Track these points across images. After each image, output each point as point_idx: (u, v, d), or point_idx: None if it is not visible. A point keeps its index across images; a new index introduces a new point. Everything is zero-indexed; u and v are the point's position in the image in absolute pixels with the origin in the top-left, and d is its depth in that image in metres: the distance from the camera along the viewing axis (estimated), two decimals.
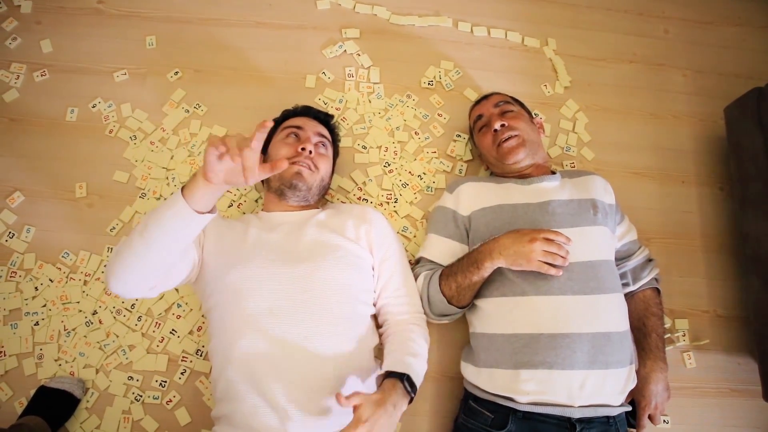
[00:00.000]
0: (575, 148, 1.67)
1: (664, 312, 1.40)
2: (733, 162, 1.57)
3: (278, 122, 1.40)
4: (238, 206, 1.50)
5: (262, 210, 1.36)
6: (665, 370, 1.31)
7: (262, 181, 1.37)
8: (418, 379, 1.15)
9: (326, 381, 1.09)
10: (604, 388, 1.14)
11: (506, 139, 1.37)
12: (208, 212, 0.96)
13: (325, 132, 1.39)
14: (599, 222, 1.28)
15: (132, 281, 1.00)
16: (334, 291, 1.15)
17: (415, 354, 1.18)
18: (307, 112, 1.42)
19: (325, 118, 1.43)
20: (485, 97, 1.52)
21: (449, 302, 1.26)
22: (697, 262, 1.61)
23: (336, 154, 1.45)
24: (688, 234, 1.63)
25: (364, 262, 1.24)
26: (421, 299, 1.30)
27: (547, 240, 1.14)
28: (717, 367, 1.51)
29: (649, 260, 1.42)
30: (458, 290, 1.24)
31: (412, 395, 1.11)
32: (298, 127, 1.33)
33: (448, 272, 1.27)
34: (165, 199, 1.48)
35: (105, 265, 1.01)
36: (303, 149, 1.27)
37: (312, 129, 1.34)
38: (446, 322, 1.36)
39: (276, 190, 1.28)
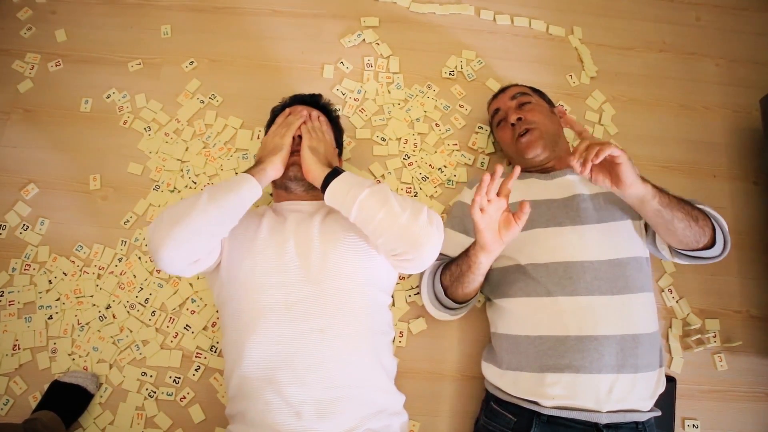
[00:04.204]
0: None
1: (696, 213, 1.12)
2: None
3: (270, 123, 1.34)
4: None
5: (274, 202, 1.33)
6: (641, 183, 1.07)
7: None
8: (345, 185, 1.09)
9: (343, 376, 1.06)
10: (633, 393, 1.10)
11: (523, 134, 1.32)
12: None
13: (315, 112, 1.32)
14: (627, 215, 1.22)
15: (186, 249, 0.99)
16: (349, 280, 1.11)
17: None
18: (293, 101, 1.36)
19: (311, 99, 1.36)
20: (502, 90, 1.47)
21: (445, 293, 1.24)
22: (729, 259, 1.52)
23: (339, 131, 1.39)
24: None
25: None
26: (425, 288, 1.29)
27: None
28: (750, 369, 1.44)
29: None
30: (451, 279, 1.22)
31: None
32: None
33: (450, 262, 1.25)
34: (179, 191, 1.48)
35: (150, 233, 0.99)
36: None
37: (299, 113, 1.28)
38: (448, 319, 1.32)
39: (280, 186, 1.26)
